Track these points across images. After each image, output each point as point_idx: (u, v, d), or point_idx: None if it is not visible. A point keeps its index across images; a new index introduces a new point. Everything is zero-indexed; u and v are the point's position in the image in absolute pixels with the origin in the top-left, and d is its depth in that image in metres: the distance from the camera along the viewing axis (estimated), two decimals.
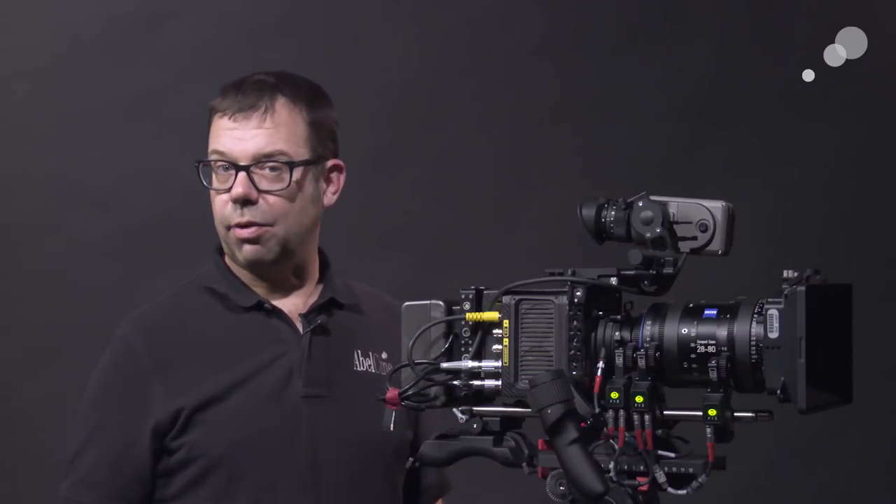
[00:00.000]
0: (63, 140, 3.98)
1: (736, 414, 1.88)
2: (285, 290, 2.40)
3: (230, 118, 2.34)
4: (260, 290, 2.39)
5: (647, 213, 1.94)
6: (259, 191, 2.32)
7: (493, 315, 2.01)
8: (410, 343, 2.05)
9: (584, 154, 4.28)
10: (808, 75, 4.28)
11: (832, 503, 4.31)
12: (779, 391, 1.83)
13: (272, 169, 2.32)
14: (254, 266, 2.36)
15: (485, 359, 2.03)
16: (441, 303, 2.06)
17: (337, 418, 2.35)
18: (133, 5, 4.03)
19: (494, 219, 4.25)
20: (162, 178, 4.00)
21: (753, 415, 1.89)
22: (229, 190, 2.33)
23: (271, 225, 2.33)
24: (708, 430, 1.87)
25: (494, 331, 2.02)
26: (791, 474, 4.31)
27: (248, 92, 2.34)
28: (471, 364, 2.03)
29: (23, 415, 3.92)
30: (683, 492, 1.92)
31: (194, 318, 2.38)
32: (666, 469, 1.91)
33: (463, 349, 2.04)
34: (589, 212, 1.98)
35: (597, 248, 2.01)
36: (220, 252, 2.44)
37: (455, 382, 2.03)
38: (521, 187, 4.27)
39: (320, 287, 2.44)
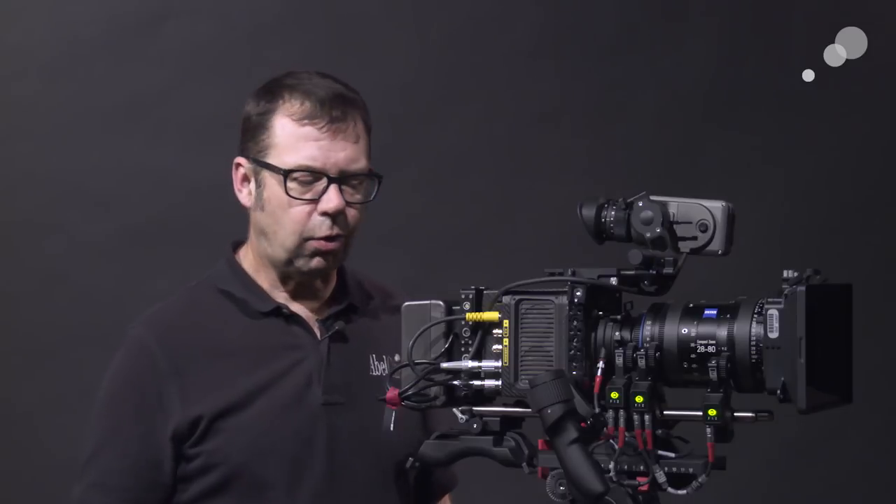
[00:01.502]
0: (63, 140, 3.97)
1: (736, 414, 1.88)
2: (308, 295, 2.38)
3: (320, 129, 2.30)
4: (281, 295, 2.37)
5: (647, 213, 1.94)
6: (347, 203, 2.31)
7: (493, 315, 2.02)
8: (410, 343, 2.05)
9: (584, 154, 4.28)
10: (808, 75, 4.28)
11: (832, 503, 4.31)
12: (779, 391, 1.83)
13: (358, 182, 2.32)
14: (314, 275, 2.35)
15: (485, 359, 2.03)
16: (441, 303, 2.07)
17: (354, 424, 2.33)
18: (133, 5, 4.03)
19: (494, 219, 4.25)
20: (162, 178, 4.00)
21: (753, 415, 1.89)
22: (314, 201, 2.30)
23: (347, 235, 2.33)
24: (708, 430, 1.88)
25: (494, 331, 2.02)
26: (791, 474, 4.31)
27: (335, 104, 2.31)
28: (471, 364, 2.03)
29: (22, 415, 3.92)
30: (683, 492, 1.92)
31: (210, 322, 2.35)
32: (666, 469, 1.92)
33: (463, 349, 2.04)
34: (589, 212, 1.98)
35: (597, 248, 2.01)
36: (234, 249, 2.42)
37: (455, 382, 2.04)
38: (521, 187, 4.27)
39: (336, 290, 2.42)
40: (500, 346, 2.00)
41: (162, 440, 2.28)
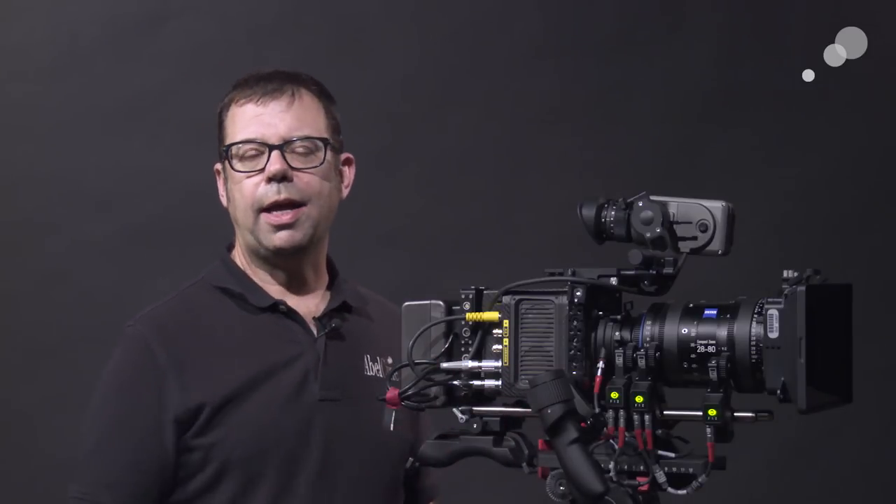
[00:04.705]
0: (63, 140, 3.98)
1: (736, 414, 1.88)
2: (300, 288, 2.40)
3: (256, 103, 2.35)
4: (274, 289, 2.38)
5: (647, 213, 1.94)
6: (293, 168, 2.33)
7: (493, 315, 2.01)
8: (410, 343, 2.05)
9: (584, 154, 4.28)
10: (808, 75, 4.28)
11: (832, 503, 4.31)
12: (779, 391, 1.83)
13: (304, 148, 2.33)
14: (282, 254, 2.35)
15: (485, 359, 2.03)
16: (441, 303, 2.06)
17: (349, 421, 2.35)
18: (133, 5, 4.03)
19: (494, 219, 4.25)
20: (162, 178, 4.00)
21: (753, 415, 1.89)
22: (261, 171, 2.32)
23: (305, 204, 2.33)
24: (708, 430, 1.87)
25: (494, 331, 2.02)
26: (791, 474, 4.31)
27: (271, 79, 2.36)
28: (471, 364, 2.03)
29: (22, 415, 3.92)
30: (683, 492, 1.92)
31: (208, 318, 2.36)
32: (666, 469, 1.91)
33: (463, 349, 2.04)
34: (589, 212, 1.98)
35: (597, 248, 2.01)
36: (229, 251, 2.44)
37: (455, 382, 2.03)
38: (521, 187, 4.27)
39: (330, 290, 2.43)
40: (500, 346, 2.00)
41: (165, 434, 2.28)
